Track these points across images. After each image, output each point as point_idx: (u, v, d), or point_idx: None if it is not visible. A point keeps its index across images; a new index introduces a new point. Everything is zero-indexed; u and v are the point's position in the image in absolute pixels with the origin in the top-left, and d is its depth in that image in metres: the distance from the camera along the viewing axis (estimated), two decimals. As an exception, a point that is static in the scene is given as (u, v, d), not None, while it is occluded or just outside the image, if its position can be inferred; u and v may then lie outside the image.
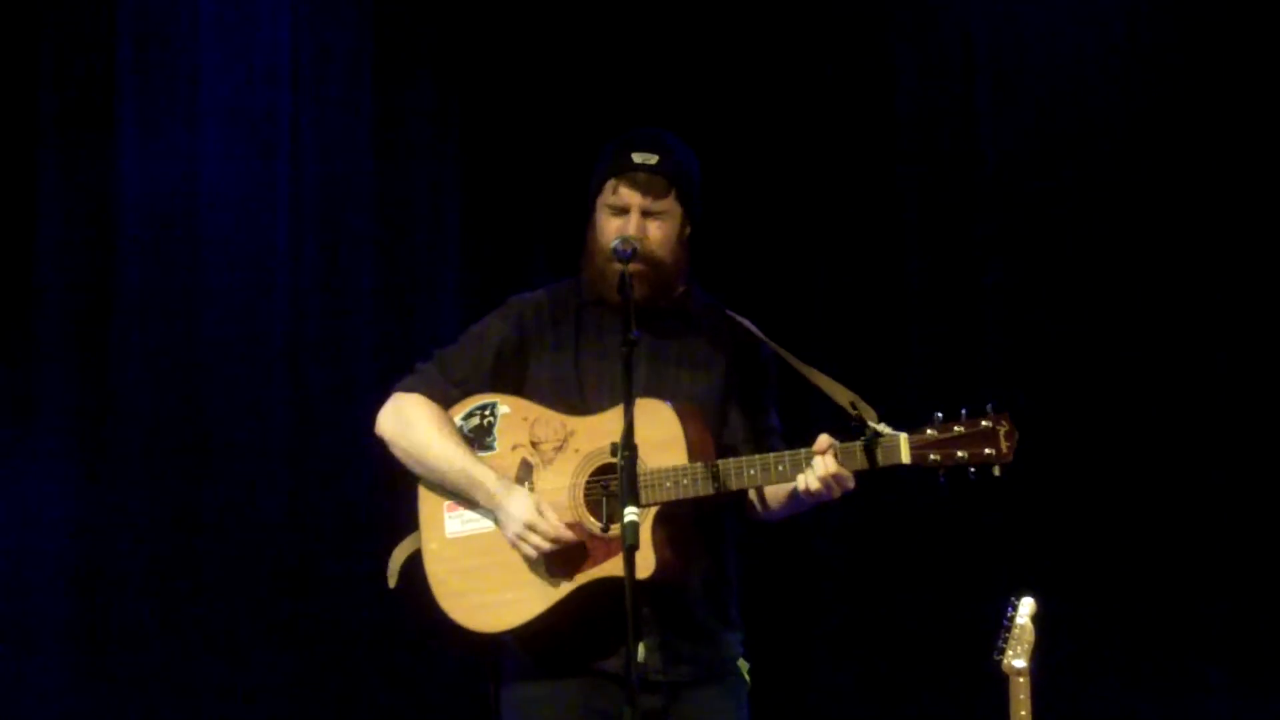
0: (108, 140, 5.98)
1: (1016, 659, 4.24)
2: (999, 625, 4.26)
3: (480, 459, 3.98)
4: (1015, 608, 4.27)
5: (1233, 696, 5.72)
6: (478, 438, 4.01)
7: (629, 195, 3.99)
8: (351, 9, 6.14)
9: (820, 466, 3.77)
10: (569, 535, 3.88)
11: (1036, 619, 4.26)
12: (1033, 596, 4.27)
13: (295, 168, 6.07)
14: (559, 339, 4.06)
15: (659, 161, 3.99)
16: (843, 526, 5.82)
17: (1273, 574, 5.72)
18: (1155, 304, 5.87)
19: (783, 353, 4.02)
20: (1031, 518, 5.75)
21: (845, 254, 6.06)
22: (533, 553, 3.89)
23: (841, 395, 3.85)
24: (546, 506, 3.90)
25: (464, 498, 3.98)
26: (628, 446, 3.68)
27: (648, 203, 3.99)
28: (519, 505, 3.90)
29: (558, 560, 3.90)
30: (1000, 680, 4.25)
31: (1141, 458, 5.80)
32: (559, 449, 3.95)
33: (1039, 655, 4.25)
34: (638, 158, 3.99)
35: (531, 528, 3.88)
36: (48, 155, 5.95)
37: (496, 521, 3.95)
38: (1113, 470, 5.80)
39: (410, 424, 4.03)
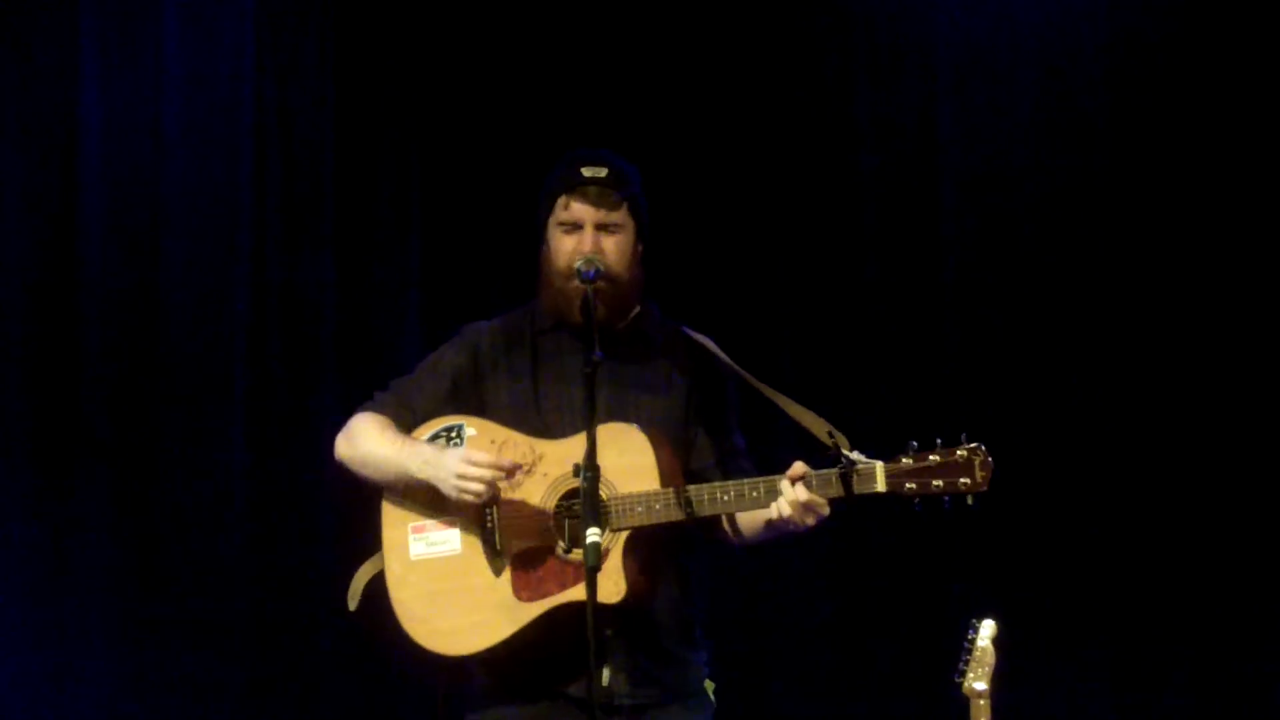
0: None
1: (977, 681, 4.25)
2: (960, 647, 4.27)
3: (415, 440, 3.95)
4: (976, 630, 4.28)
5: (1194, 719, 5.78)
6: None
7: (581, 210, 3.97)
8: (314, 42, 6.16)
9: (795, 494, 3.76)
10: (507, 463, 3.86)
11: (997, 641, 4.28)
12: (994, 619, 4.29)
13: (258, 188, 6.07)
14: (515, 366, 4.04)
15: (608, 174, 3.97)
16: (806, 547, 5.81)
17: (1236, 597, 5.75)
18: (1116, 328, 5.90)
19: (752, 380, 3.98)
20: (993, 540, 5.76)
21: (807, 271, 6.06)
22: (480, 489, 3.83)
23: (815, 423, 3.83)
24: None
25: (406, 480, 3.93)
26: (590, 467, 3.66)
27: (601, 215, 3.97)
28: (451, 456, 3.87)
29: (524, 585, 3.88)
30: (961, 703, 4.26)
31: (1104, 481, 5.83)
32: (528, 473, 3.92)
33: (1000, 677, 4.27)
34: (587, 172, 3.97)
35: (467, 462, 3.84)
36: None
37: (442, 509, 3.91)
38: (1075, 493, 5.82)
39: (356, 437, 4.03)
